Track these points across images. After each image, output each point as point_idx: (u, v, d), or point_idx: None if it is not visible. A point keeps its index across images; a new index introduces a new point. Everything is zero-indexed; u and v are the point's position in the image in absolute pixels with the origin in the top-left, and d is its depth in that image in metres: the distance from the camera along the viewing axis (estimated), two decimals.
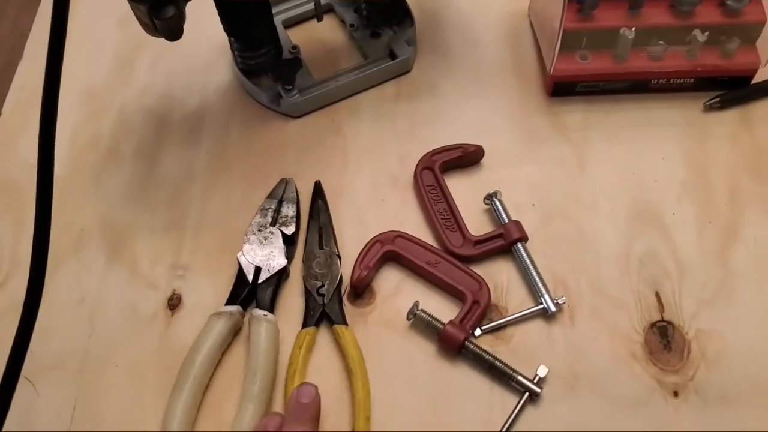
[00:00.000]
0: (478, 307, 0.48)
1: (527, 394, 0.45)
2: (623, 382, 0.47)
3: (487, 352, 0.46)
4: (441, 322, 0.47)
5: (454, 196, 0.53)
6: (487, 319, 0.49)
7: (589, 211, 0.53)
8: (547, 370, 0.46)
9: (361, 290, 0.50)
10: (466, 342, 0.46)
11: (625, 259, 0.51)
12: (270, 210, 0.53)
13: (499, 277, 0.50)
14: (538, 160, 0.56)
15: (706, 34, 0.54)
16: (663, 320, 0.49)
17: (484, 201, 0.53)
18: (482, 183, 0.54)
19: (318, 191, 0.55)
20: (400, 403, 0.46)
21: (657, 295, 0.50)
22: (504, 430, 0.44)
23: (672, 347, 0.48)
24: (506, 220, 0.52)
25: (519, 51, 0.62)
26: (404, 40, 0.60)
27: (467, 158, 0.55)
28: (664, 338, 0.48)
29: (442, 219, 0.52)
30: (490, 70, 0.61)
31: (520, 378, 0.45)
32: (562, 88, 0.58)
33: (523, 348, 0.48)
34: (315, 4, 0.59)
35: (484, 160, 0.55)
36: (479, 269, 0.50)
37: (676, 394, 0.46)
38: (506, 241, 0.51)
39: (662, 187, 0.54)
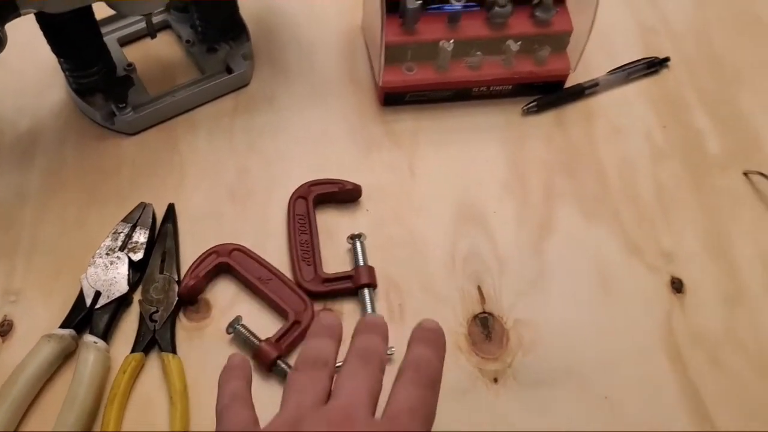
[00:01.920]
0: (299, 327, 0.50)
1: None
2: (449, 373, 0.49)
3: None
4: (258, 339, 0.49)
5: (326, 229, 0.55)
6: None
7: (419, 214, 0.56)
8: None
9: (189, 299, 0.51)
10: (278, 360, 0.48)
11: (451, 258, 0.54)
12: (122, 234, 0.53)
13: (348, 315, 0.52)
14: (372, 167, 0.58)
15: (519, 43, 0.58)
16: (484, 312, 0.52)
17: (347, 240, 0.54)
18: (359, 220, 0.56)
19: (169, 214, 0.55)
20: None
21: (479, 289, 0.53)
22: None
23: (492, 337, 0.51)
24: (361, 264, 0.53)
25: (354, 64, 0.64)
26: (240, 55, 0.62)
27: (343, 194, 0.56)
28: (485, 329, 0.51)
29: (301, 250, 0.53)
30: (328, 83, 0.63)
31: None
32: (392, 98, 0.61)
33: None
34: (146, 22, 0.59)
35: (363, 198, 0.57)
36: (330, 305, 0.52)
37: (495, 380, 0.50)
38: (354, 284, 0.52)
39: (485, 188, 0.58)
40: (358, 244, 0.53)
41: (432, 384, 0.39)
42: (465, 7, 0.57)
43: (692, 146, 0.60)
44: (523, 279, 0.54)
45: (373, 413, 0.38)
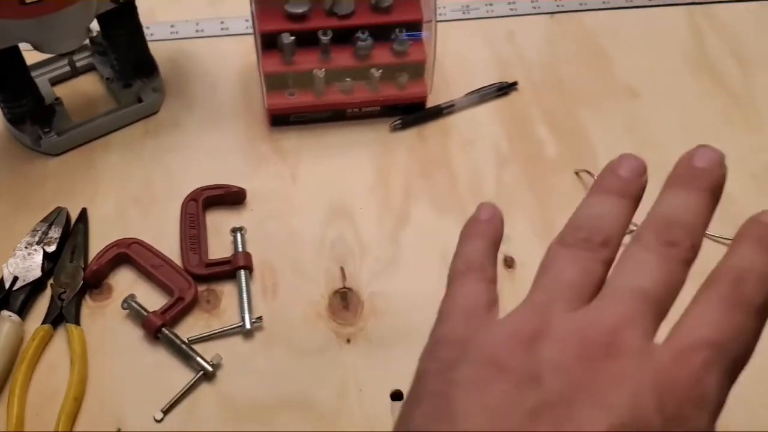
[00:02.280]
0: (183, 302, 0.59)
1: (201, 372, 0.56)
2: (309, 337, 0.59)
3: (177, 337, 0.57)
4: (147, 311, 0.58)
5: (215, 226, 0.65)
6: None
7: (296, 212, 0.67)
8: (221, 357, 0.57)
9: (94, 283, 0.61)
10: (163, 328, 0.58)
11: (320, 246, 0.64)
12: (39, 231, 0.63)
13: (228, 296, 0.61)
14: (259, 176, 0.69)
15: (380, 71, 0.70)
16: (345, 287, 0.62)
17: (230, 233, 0.64)
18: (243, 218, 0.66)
19: (82, 216, 0.65)
20: (116, 380, 0.57)
21: (342, 269, 0.63)
22: (173, 400, 0.55)
23: (349, 307, 0.61)
24: (240, 251, 0.63)
25: (250, 94, 0.75)
26: (151, 88, 0.73)
27: (230, 196, 0.66)
28: (344, 301, 0.61)
29: (189, 242, 0.63)
30: (226, 109, 0.74)
31: (198, 359, 0.56)
32: (278, 120, 0.72)
33: (232, 319, 0.60)
34: (69, 62, 0.71)
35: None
36: (212, 286, 0.62)
37: (348, 341, 0.59)
38: (232, 266, 0.62)
39: (354, 190, 0.68)
40: (238, 235, 0.64)
41: (754, 315, 0.27)
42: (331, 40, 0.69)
43: (532, 153, 0.71)
44: (380, 261, 0.64)
45: (654, 333, 0.27)
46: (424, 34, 0.71)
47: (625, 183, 0.33)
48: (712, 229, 0.65)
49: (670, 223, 0.30)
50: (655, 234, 0.30)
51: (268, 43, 0.69)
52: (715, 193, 0.32)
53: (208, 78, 0.77)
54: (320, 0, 0.70)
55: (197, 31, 0.81)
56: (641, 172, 0.34)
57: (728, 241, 0.63)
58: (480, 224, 0.36)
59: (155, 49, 0.76)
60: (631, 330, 0.26)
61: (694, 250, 0.30)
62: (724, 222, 0.66)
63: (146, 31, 0.78)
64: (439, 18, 0.80)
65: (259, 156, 0.71)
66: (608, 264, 0.30)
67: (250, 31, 0.69)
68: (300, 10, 0.69)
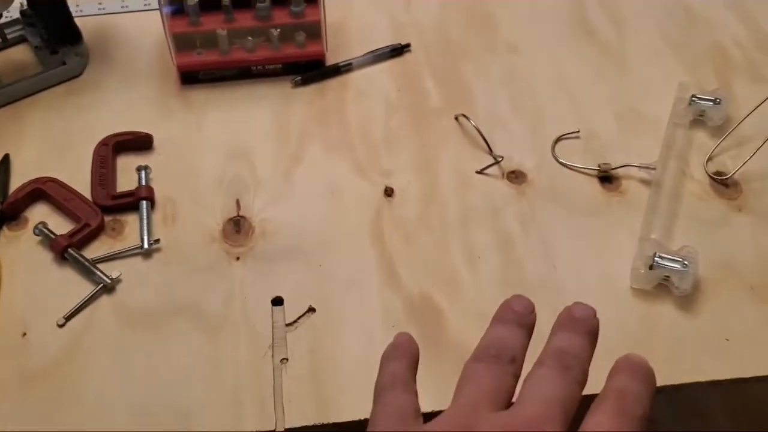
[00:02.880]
0: (89, 228, 0.66)
1: (101, 285, 0.63)
2: (202, 256, 0.66)
3: (82, 256, 0.64)
4: (54, 234, 0.65)
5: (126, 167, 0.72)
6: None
7: (199, 155, 0.74)
8: (120, 273, 0.64)
9: (11, 215, 0.67)
10: (69, 249, 0.64)
11: (219, 182, 0.71)
12: None
13: (131, 224, 0.68)
14: (168, 126, 0.76)
15: (278, 31, 0.78)
16: (238, 216, 0.69)
17: (135, 171, 0.71)
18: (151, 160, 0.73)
19: (4, 161, 0.72)
20: (25, 294, 0.63)
21: (237, 201, 0.70)
22: (74, 308, 0.62)
23: (241, 231, 0.68)
24: (143, 184, 0.70)
25: (165, 57, 0.82)
26: (74, 53, 0.81)
27: (138, 141, 0.73)
28: (236, 226, 0.68)
29: (99, 179, 0.70)
30: (143, 71, 0.81)
31: (99, 274, 0.63)
32: (189, 77, 0.79)
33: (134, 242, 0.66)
34: (0, 35, 0.79)
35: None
36: (117, 216, 0.68)
37: (238, 258, 0.66)
38: (135, 198, 0.68)
39: (254, 136, 0.75)
40: (143, 173, 0.71)
41: (636, 421, 0.33)
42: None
43: (419, 102, 0.79)
44: (273, 194, 0.71)
45: None
46: None
47: (519, 316, 0.39)
48: (578, 162, 0.73)
49: (563, 353, 0.37)
50: (553, 360, 0.36)
51: (176, 9, 0.77)
52: (592, 335, 0.39)
53: (129, 46, 0.84)
54: None
55: (123, 6, 0.88)
56: (531, 309, 0.40)
57: (593, 171, 0.71)
58: (400, 347, 0.41)
59: (84, 22, 0.84)
60: (550, 425, 0.32)
61: (584, 375, 0.37)
62: (588, 153, 0.74)
63: (75, 8, 0.86)
64: None
65: (169, 109, 0.78)
66: (516, 378, 0.36)
67: None
68: None
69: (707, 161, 0.73)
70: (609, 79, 0.81)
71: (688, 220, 0.69)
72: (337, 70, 0.81)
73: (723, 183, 0.71)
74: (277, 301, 0.63)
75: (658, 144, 0.74)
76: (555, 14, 0.88)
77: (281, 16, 0.79)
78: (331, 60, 0.81)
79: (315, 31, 0.79)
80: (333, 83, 0.81)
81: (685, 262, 0.62)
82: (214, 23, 0.78)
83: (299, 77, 0.80)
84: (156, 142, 0.74)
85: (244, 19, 0.78)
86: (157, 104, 0.78)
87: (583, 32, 0.86)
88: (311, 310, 0.62)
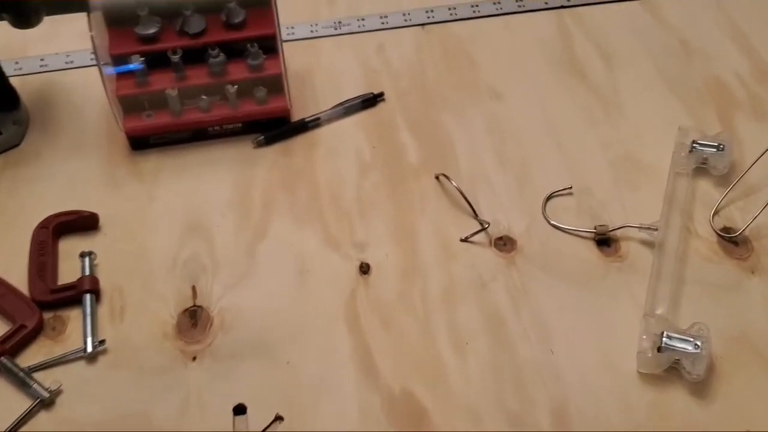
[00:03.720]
0: (25, 330, 0.58)
1: (38, 400, 0.55)
2: (154, 357, 0.58)
3: (16, 366, 0.56)
4: None
5: (68, 251, 0.64)
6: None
7: (150, 232, 0.66)
8: (60, 383, 0.56)
9: None
10: (1, 358, 0.56)
11: (173, 264, 0.64)
12: None
13: (74, 321, 0.60)
14: (116, 200, 0.68)
15: (236, 87, 0.70)
16: (195, 305, 0.61)
17: (79, 257, 0.63)
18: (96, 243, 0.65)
19: None
20: None
21: (193, 287, 0.62)
22: (8, 430, 0.54)
23: (198, 324, 0.60)
24: (87, 274, 0.62)
25: (112, 120, 0.75)
26: (11, 121, 0.73)
27: (81, 221, 0.66)
28: (192, 318, 0.60)
29: (37, 269, 0.62)
30: (89, 137, 0.74)
31: (35, 387, 0.55)
32: (138, 143, 0.72)
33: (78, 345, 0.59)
34: None
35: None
36: (59, 313, 0.60)
37: (194, 358, 0.58)
38: (77, 291, 0.61)
39: (212, 207, 0.68)
40: (86, 260, 0.63)
41: None
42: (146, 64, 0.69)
43: (395, 159, 0.71)
44: (234, 275, 0.63)
45: None
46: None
47: None
48: (572, 223, 0.65)
49: None
50: None
51: (120, 64, 0.69)
52: None
53: (74, 108, 0.77)
54: (171, 20, 0.70)
55: (67, 63, 0.81)
56: None
57: (589, 233, 0.64)
58: None
59: (23, 83, 0.76)
60: None
61: None
62: (583, 212, 0.67)
63: (14, 66, 0.78)
64: (312, 34, 0.82)
65: (116, 180, 0.70)
66: None
67: None
68: (150, 32, 0.69)
69: (713, 215, 0.66)
70: (601, 124, 0.74)
71: (696, 286, 0.62)
72: (304, 127, 0.74)
73: (732, 240, 0.64)
74: (240, 410, 0.55)
75: (659, 197, 0.67)
76: (539, 51, 0.81)
77: (238, 71, 0.71)
78: (296, 115, 0.74)
79: (276, 85, 0.72)
80: (300, 141, 0.73)
81: (697, 343, 0.55)
82: (163, 82, 0.70)
83: (261, 136, 0.73)
84: (102, 220, 0.67)
85: (197, 76, 0.71)
86: (104, 176, 0.70)
87: (571, 70, 0.79)
88: (278, 418, 0.55)
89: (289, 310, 0.61)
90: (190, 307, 0.61)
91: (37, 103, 0.76)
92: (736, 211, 0.66)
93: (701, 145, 0.69)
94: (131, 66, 0.69)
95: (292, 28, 0.83)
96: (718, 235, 0.65)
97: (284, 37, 0.81)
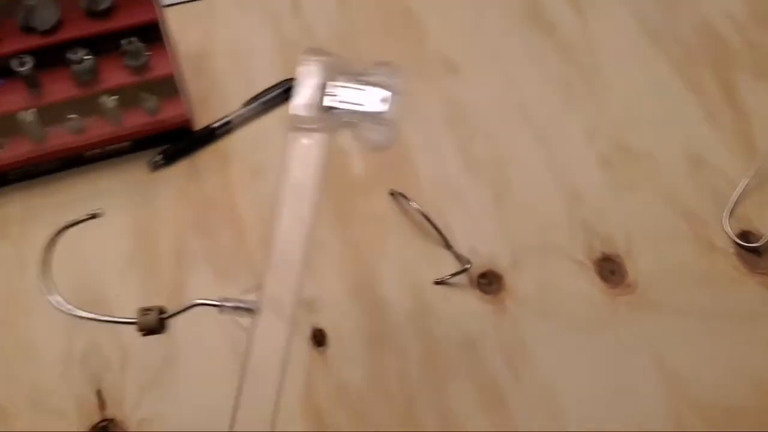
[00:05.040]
0: None
1: None
2: None
3: None
4: None
5: None
6: None
7: (29, 314, 0.50)
8: None
9: None
10: None
11: (66, 361, 0.48)
12: None
13: None
14: None
15: (114, 98, 0.52)
16: (105, 420, 0.46)
17: None
18: None
19: None
20: None
21: (99, 392, 0.47)
22: None
23: None
24: None
25: None
26: None
27: None
28: None
29: None
30: None
31: None
32: None
33: None
34: None
35: None
36: None
37: None
38: None
39: (107, 267, 0.52)
40: None
41: None
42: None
43: (335, 172, 0.56)
44: (149, 369, 0.48)
45: None
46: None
47: None
48: (563, 240, 0.53)
49: None
50: None
51: None
52: None
53: None
54: (9, 13, 0.50)
55: None
56: None
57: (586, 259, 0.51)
58: None
59: None
60: None
61: None
62: (575, 227, 0.55)
63: None
64: None
65: None
66: None
67: None
68: None
69: (728, 217, 0.55)
70: (581, 102, 0.60)
71: (721, 320, 0.51)
72: (212, 135, 0.57)
73: (753, 250, 0.54)
74: None
75: (659, 196, 0.55)
76: (497, 2, 0.65)
77: (114, 75, 0.53)
78: (199, 120, 0.57)
79: (168, 87, 0.54)
80: (209, 155, 0.57)
81: None
82: (12, 102, 0.51)
83: (159, 155, 0.55)
84: None
85: (59, 88, 0.52)
86: None
87: (535, 26, 0.64)
88: None
89: (225, 415, 0.47)
90: (99, 423, 0.46)
91: None
92: (753, 211, 0.56)
93: None
94: None
95: None
96: (737, 244, 0.54)
97: (165, 0, 0.62)
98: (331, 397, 0.48)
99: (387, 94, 0.38)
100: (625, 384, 0.49)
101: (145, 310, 0.40)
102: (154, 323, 0.40)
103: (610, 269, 0.53)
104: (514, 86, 0.60)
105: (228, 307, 0.42)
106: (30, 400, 0.47)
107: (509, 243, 0.54)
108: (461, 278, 0.52)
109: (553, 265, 0.53)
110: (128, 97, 0.53)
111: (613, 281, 0.53)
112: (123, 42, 0.51)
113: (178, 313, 0.41)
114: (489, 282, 0.52)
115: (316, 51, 0.38)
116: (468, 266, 0.51)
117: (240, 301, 0.43)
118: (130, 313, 0.50)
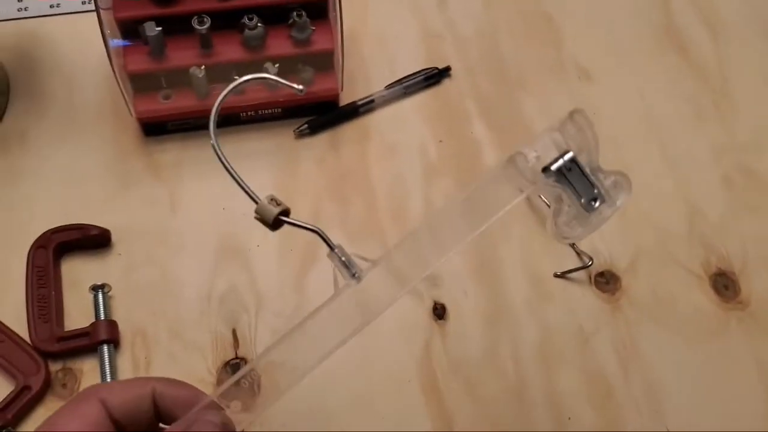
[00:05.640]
0: (29, 393, 0.47)
1: None
2: None
3: None
4: None
5: (72, 280, 0.51)
6: None
7: (176, 252, 0.54)
8: None
9: None
10: (3, 430, 0.45)
11: (206, 299, 0.52)
12: None
13: (89, 375, 0.49)
14: (128, 206, 0.55)
15: (277, 66, 0.56)
16: (237, 357, 0.50)
17: (89, 290, 0.51)
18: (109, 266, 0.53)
19: None
20: None
21: (234, 332, 0.51)
22: None
23: (242, 386, 0.49)
24: (102, 317, 0.50)
25: (119, 92, 0.60)
26: None
27: (89, 240, 0.52)
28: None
29: (38, 307, 0.50)
30: (87, 115, 0.59)
31: None
32: (153, 128, 0.58)
33: None
34: None
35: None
36: (69, 364, 0.49)
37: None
38: (91, 340, 0.49)
39: (249, 219, 0.54)
40: (100, 296, 0.51)
41: None
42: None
43: (468, 160, 0.59)
44: (282, 316, 0.52)
45: None
46: (331, 14, 0.56)
47: None
48: (681, 252, 0.55)
49: None
50: None
51: (130, 32, 0.54)
52: None
53: (65, 71, 0.61)
54: None
55: (52, 6, 0.64)
56: None
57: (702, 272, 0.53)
58: None
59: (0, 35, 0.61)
60: None
61: None
62: (694, 241, 0.56)
63: None
64: None
65: (128, 178, 0.56)
66: None
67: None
68: None
69: None
70: (710, 120, 0.62)
71: None
72: (355, 112, 0.60)
73: None
74: None
75: None
76: (633, 15, 0.67)
77: (280, 44, 0.56)
78: (345, 96, 0.60)
79: (326, 63, 0.58)
80: (349, 130, 0.60)
81: None
82: (186, 57, 0.55)
83: (304, 125, 0.59)
84: (115, 235, 0.54)
85: (228, 50, 0.56)
86: (112, 171, 0.57)
87: (671, 45, 0.65)
88: None
89: (350, 367, 0.50)
90: (231, 359, 0.50)
91: (17, 61, 0.61)
92: None
93: None
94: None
95: None
96: None
97: None
98: (447, 367, 0.50)
99: (609, 205, 0.36)
100: (728, 395, 0.50)
101: (272, 200, 0.40)
102: (270, 216, 0.40)
103: (723, 284, 0.54)
104: (644, 99, 0.62)
105: (337, 255, 0.40)
106: (170, 331, 0.51)
107: (629, 247, 0.55)
108: (580, 274, 0.54)
109: (670, 272, 0.55)
110: (288, 66, 0.57)
111: (727, 296, 0.54)
112: (294, 14, 0.55)
113: (296, 225, 0.41)
114: (606, 281, 0.54)
115: (583, 115, 0.35)
116: (589, 263, 0.54)
117: (358, 257, 0.41)
118: (267, 263, 0.54)
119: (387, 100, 0.61)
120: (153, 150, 0.58)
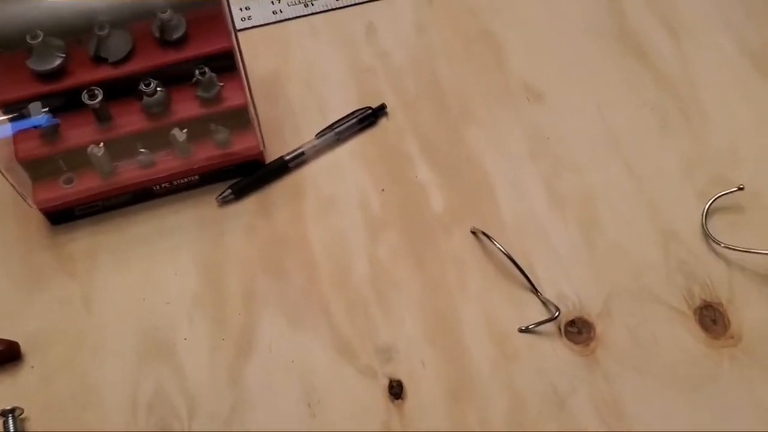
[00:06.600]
0: None
1: None
2: None
3: None
4: None
5: None
6: None
7: (95, 356, 0.48)
8: None
9: None
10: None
11: (131, 407, 0.46)
12: None
13: None
14: (38, 309, 0.49)
15: (185, 131, 0.50)
16: None
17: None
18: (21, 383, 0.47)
19: None
20: None
21: None
22: None
23: None
24: None
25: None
26: None
27: None
28: None
29: None
30: None
31: None
32: (59, 217, 0.52)
33: None
34: None
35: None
36: None
37: None
38: None
39: (174, 308, 0.49)
40: (10, 423, 0.45)
41: None
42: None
43: (415, 207, 0.53)
44: (219, 418, 0.46)
45: None
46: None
47: None
48: (661, 287, 0.48)
49: None
50: None
51: (16, 115, 0.48)
52: None
53: None
54: (80, 44, 0.49)
55: None
56: None
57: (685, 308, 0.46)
58: None
59: None
60: None
61: None
62: (671, 274, 0.50)
63: None
64: (275, 17, 0.61)
65: (36, 278, 0.50)
66: None
67: None
68: (49, 67, 0.48)
69: None
70: (676, 130, 0.56)
71: None
72: (284, 168, 0.54)
73: None
74: None
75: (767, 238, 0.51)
76: (582, 22, 0.61)
77: (185, 106, 0.50)
78: (270, 151, 0.54)
79: (241, 119, 0.52)
80: (280, 189, 0.54)
81: None
82: (82, 135, 0.49)
83: (227, 190, 0.53)
84: (26, 346, 0.48)
85: (129, 121, 0.50)
86: (14, 270, 0.51)
87: (628, 52, 0.59)
88: None
89: None
90: None
91: None
92: None
93: None
94: (33, 121, 0.47)
95: (248, 9, 0.62)
96: None
97: (238, 25, 0.60)
98: None
99: None
100: None
101: None
102: None
103: (711, 318, 0.49)
104: (602, 115, 0.56)
105: None
106: None
107: (600, 287, 0.50)
108: (549, 326, 0.48)
109: (649, 311, 0.49)
110: (198, 129, 0.51)
111: (716, 331, 0.48)
112: (197, 72, 0.49)
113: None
114: (578, 330, 0.48)
115: None
116: (556, 315, 0.48)
117: None
118: (197, 357, 0.48)
119: (319, 150, 0.55)
120: (61, 241, 0.52)
